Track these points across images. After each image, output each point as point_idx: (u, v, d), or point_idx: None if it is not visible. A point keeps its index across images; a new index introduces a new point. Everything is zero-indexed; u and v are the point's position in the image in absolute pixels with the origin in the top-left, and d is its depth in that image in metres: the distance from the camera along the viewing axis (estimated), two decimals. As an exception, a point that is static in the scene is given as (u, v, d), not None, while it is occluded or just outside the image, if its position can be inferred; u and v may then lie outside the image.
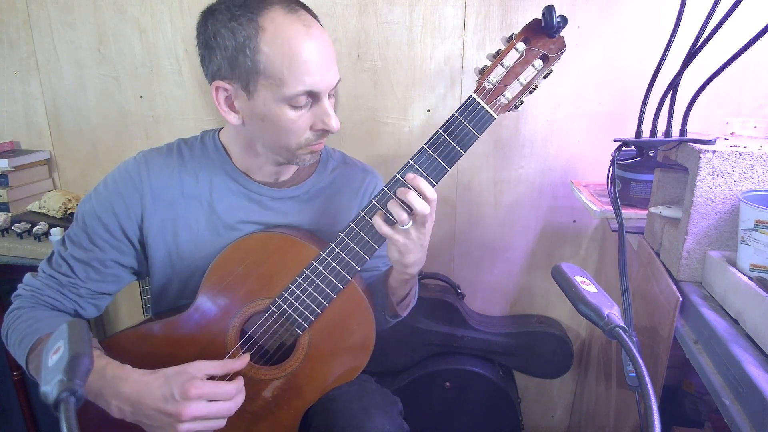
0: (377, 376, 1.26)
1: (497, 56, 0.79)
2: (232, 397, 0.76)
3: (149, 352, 0.86)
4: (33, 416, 1.58)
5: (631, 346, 0.51)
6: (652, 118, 0.90)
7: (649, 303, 0.91)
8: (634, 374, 0.72)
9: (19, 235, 1.44)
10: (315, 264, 0.83)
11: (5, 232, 1.48)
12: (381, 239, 0.82)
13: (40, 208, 1.53)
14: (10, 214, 1.52)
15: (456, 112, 0.80)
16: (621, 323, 0.54)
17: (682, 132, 0.87)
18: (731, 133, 1.06)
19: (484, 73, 0.80)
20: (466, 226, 1.47)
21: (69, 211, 1.50)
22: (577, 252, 1.45)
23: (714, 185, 0.79)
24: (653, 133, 0.90)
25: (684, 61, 0.83)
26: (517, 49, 0.78)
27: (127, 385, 0.73)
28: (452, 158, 0.81)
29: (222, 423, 0.76)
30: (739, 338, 0.67)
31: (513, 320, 1.50)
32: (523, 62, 0.79)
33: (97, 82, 1.54)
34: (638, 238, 1.05)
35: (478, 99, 0.79)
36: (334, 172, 0.98)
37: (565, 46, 0.80)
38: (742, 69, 1.19)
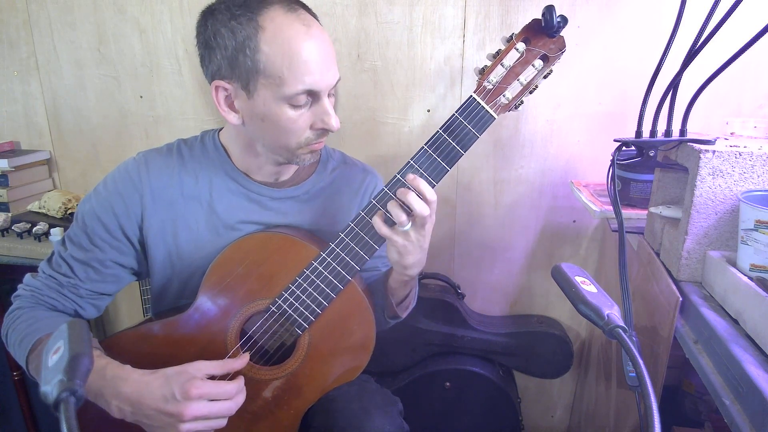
0: (377, 376, 1.26)
1: (497, 56, 0.79)
2: (232, 396, 0.76)
3: (149, 352, 0.86)
4: (33, 416, 1.58)
5: (631, 346, 0.51)
6: (652, 118, 0.90)
7: (649, 303, 0.91)
8: (634, 374, 0.72)
9: (19, 235, 1.44)
10: (315, 264, 0.83)
11: (5, 232, 1.48)
12: (381, 239, 0.82)
13: (40, 208, 1.54)
14: (10, 214, 1.52)
15: (456, 112, 0.80)
16: (621, 323, 0.54)
17: (682, 132, 0.87)
18: (731, 133, 1.06)
19: (484, 73, 0.80)
20: (466, 226, 1.47)
21: (69, 211, 1.50)
22: (577, 252, 1.45)
23: (714, 185, 0.79)
24: (653, 133, 0.90)
25: (684, 61, 0.83)
26: (517, 49, 0.78)
27: (127, 385, 0.73)
28: (452, 158, 0.81)
29: (223, 422, 0.76)
30: (739, 338, 0.67)
31: (513, 320, 1.50)
32: (523, 62, 0.79)
33: (97, 82, 1.54)
34: (638, 238, 1.05)
35: (478, 99, 0.79)
36: (334, 172, 0.98)
37: (565, 46, 0.80)
38: (742, 69, 1.19)
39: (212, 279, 0.85)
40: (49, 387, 0.46)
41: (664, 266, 0.89)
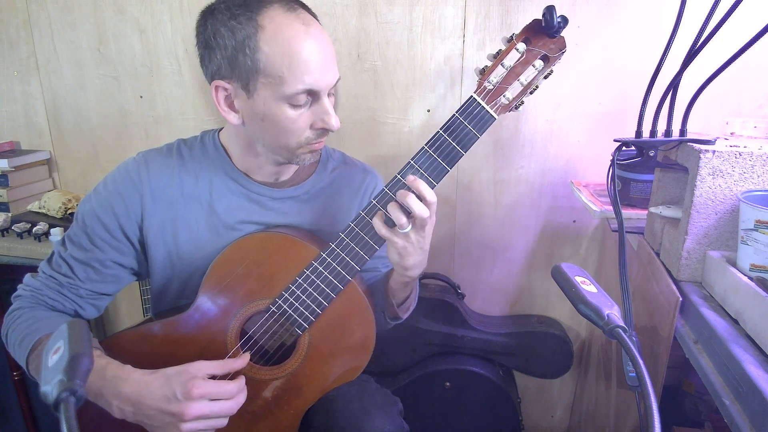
0: (377, 376, 1.26)
1: (498, 56, 0.79)
2: (233, 396, 0.77)
3: (149, 352, 0.86)
4: (33, 416, 1.58)
5: (631, 346, 0.51)
6: (652, 118, 0.90)
7: (649, 303, 0.91)
8: (634, 374, 0.72)
9: (19, 235, 1.44)
10: (315, 264, 0.83)
11: (5, 232, 1.48)
12: (381, 240, 0.82)
13: (40, 208, 1.53)
14: (10, 214, 1.52)
15: (456, 112, 0.80)
16: (621, 323, 0.54)
17: (682, 132, 0.87)
18: (731, 133, 1.06)
19: (484, 73, 0.80)
20: (466, 226, 1.47)
21: (69, 211, 1.50)
22: (577, 252, 1.45)
23: (714, 185, 0.79)
24: (653, 133, 0.90)
25: (684, 61, 0.83)
26: (517, 50, 0.78)
27: (127, 385, 0.73)
28: (453, 158, 0.81)
29: (224, 422, 0.76)
30: (739, 338, 0.67)
31: (513, 320, 1.50)
32: (523, 62, 0.79)
33: (97, 82, 1.54)
34: (638, 238, 1.05)
35: (479, 99, 0.79)
36: (334, 172, 0.98)
37: (565, 47, 0.80)
38: (742, 69, 1.19)
39: (212, 279, 0.85)
40: (49, 387, 0.46)
41: (664, 266, 0.89)
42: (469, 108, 0.80)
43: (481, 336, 1.42)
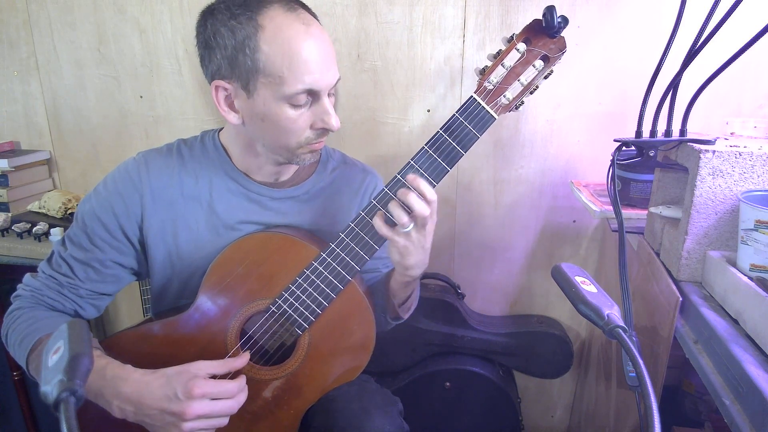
0: (377, 376, 1.27)
1: (498, 56, 0.79)
2: (234, 395, 0.77)
3: (149, 352, 0.86)
4: (33, 416, 1.58)
5: (631, 346, 0.51)
6: (652, 118, 0.90)
7: (649, 303, 0.91)
8: (634, 374, 0.72)
9: (19, 235, 1.44)
10: (315, 264, 0.83)
11: (5, 232, 1.48)
12: (381, 240, 0.82)
13: (40, 208, 1.53)
14: (10, 214, 1.52)
15: (456, 112, 0.80)
16: (621, 323, 0.54)
17: (682, 132, 0.87)
18: (731, 133, 1.06)
19: (484, 73, 0.80)
20: (466, 226, 1.47)
21: (69, 211, 1.50)
22: (577, 252, 1.45)
23: (714, 185, 0.79)
24: (653, 133, 0.90)
25: (684, 61, 0.83)
26: (517, 50, 0.78)
27: (127, 385, 0.73)
28: (453, 158, 0.81)
29: (225, 421, 0.76)
30: (739, 338, 0.67)
31: (513, 320, 1.50)
32: (523, 62, 0.79)
33: (97, 82, 1.54)
34: (638, 238, 1.05)
35: (479, 99, 0.79)
36: (334, 172, 0.98)
37: (565, 47, 0.79)
38: (742, 69, 1.19)
39: (212, 279, 0.85)
40: (49, 387, 0.46)
41: (664, 266, 0.89)
42: (469, 108, 0.80)
43: (481, 336, 1.42)
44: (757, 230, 0.71)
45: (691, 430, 1.08)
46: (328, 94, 0.81)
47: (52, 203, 1.51)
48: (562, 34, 0.79)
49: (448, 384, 1.42)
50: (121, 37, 1.48)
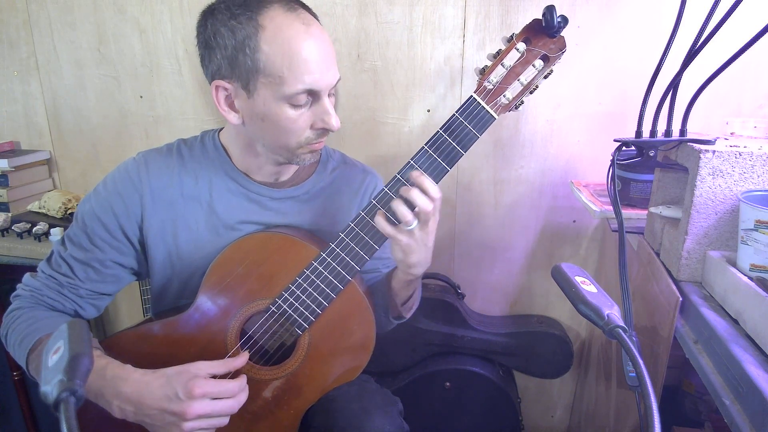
0: (377, 376, 1.27)
1: (498, 56, 0.79)
2: (235, 394, 0.77)
3: (149, 352, 0.86)
4: (33, 416, 1.58)
5: (631, 346, 0.51)
6: (652, 118, 0.90)
7: (649, 303, 0.91)
8: (634, 374, 0.72)
9: (19, 235, 1.44)
10: (315, 264, 0.83)
11: (5, 232, 1.48)
12: (381, 239, 0.82)
13: (40, 208, 1.53)
14: (10, 214, 1.52)
15: (456, 112, 0.80)
16: (621, 323, 0.54)
17: (682, 132, 0.87)
18: (731, 133, 1.06)
19: (484, 73, 0.80)
20: (466, 226, 1.47)
21: (69, 211, 1.50)
22: (577, 252, 1.45)
23: (714, 185, 0.79)
24: (653, 133, 0.90)
25: (684, 61, 0.83)
26: (517, 50, 0.78)
27: (127, 385, 0.73)
28: (452, 158, 0.81)
29: (225, 421, 0.76)
30: (739, 338, 0.67)
31: (513, 320, 1.50)
32: (523, 62, 0.79)
33: (97, 82, 1.54)
34: (638, 238, 1.05)
35: (479, 99, 0.79)
36: (334, 172, 0.98)
37: (565, 46, 0.80)
38: (742, 69, 1.19)
39: (212, 279, 0.85)
40: (49, 387, 0.46)
41: (664, 266, 0.89)
42: (469, 108, 0.80)
43: (481, 336, 1.42)
44: (757, 230, 0.71)
45: (691, 430, 1.08)
46: (329, 94, 0.81)
47: (52, 203, 1.51)
48: (561, 34, 0.79)
49: (448, 384, 1.42)
50: (121, 37, 1.48)
